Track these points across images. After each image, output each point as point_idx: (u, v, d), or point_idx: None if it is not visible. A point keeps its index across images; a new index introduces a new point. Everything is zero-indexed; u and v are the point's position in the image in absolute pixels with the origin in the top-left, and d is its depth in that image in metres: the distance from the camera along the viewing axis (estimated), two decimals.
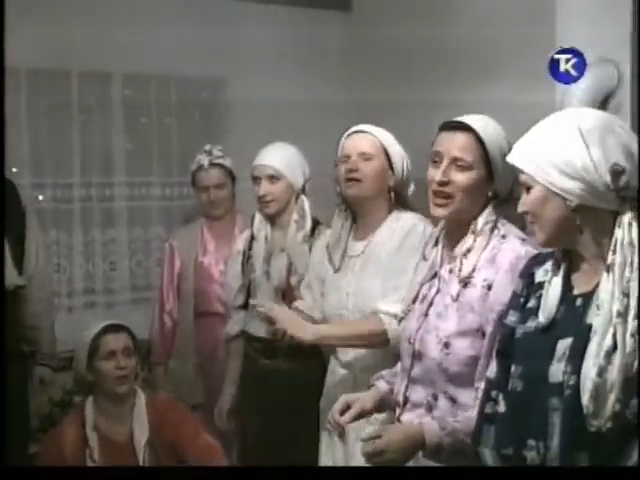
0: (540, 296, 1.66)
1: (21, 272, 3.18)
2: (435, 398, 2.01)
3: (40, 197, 3.90)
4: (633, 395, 1.49)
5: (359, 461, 1.94)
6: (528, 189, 1.63)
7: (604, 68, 3.01)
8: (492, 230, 2.00)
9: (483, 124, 2.01)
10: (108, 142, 4.04)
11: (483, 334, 1.93)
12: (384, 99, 3.74)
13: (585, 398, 1.49)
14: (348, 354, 2.60)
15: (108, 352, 2.77)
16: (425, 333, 2.03)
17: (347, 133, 2.64)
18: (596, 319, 1.53)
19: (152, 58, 3.86)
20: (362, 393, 2.20)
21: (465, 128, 2.00)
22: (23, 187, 3.45)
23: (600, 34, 2.95)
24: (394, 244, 2.54)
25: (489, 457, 1.69)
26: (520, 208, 1.67)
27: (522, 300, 1.71)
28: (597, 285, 1.56)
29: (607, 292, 1.52)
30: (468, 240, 2.01)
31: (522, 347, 1.67)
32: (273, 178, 2.97)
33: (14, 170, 3.72)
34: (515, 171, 1.68)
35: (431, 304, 2.05)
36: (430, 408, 2.01)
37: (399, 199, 2.62)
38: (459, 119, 2.03)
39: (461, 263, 2.00)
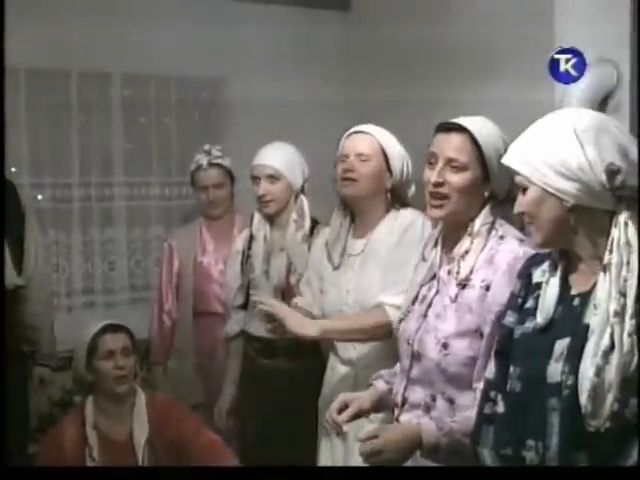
0: (538, 296, 1.66)
1: (20, 272, 3.18)
2: (433, 399, 2.01)
3: (39, 197, 3.90)
4: (631, 394, 1.48)
5: (358, 460, 1.94)
6: (524, 190, 1.63)
7: (603, 68, 3.01)
8: (489, 231, 2.00)
9: (479, 125, 2.01)
10: (107, 142, 4.03)
11: (481, 335, 1.94)
12: (384, 99, 3.73)
13: (583, 398, 1.49)
14: (349, 351, 2.59)
15: (107, 352, 2.77)
16: (424, 334, 2.04)
17: (347, 133, 2.63)
18: (593, 319, 1.53)
19: (152, 58, 3.85)
20: (360, 392, 2.20)
21: (460, 129, 2.00)
22: (22, 187, 3.45)
23: (599, 34, 2.94)
24: (393, 239, 2.54)
25: (488, 457, 1.69)
26: (516, 209, 1.68)
27: (520, 301, 1.71)
28: (594, 285, 1.56)
29: (604, 292, 1.52)
30: (465, 242, 2.02)
31: (520, 347, 1.67)
32: (272, 178, 2.97)
33: (13, 170, 3.72)
34: (512, 172, 1.67)
35: (430, 305, 2.05)
36: (428, 409, 2.01)
37: (398, 199, 2.61)
38: (454, 120, 2.03)
39: (459, 265, 2.00)
